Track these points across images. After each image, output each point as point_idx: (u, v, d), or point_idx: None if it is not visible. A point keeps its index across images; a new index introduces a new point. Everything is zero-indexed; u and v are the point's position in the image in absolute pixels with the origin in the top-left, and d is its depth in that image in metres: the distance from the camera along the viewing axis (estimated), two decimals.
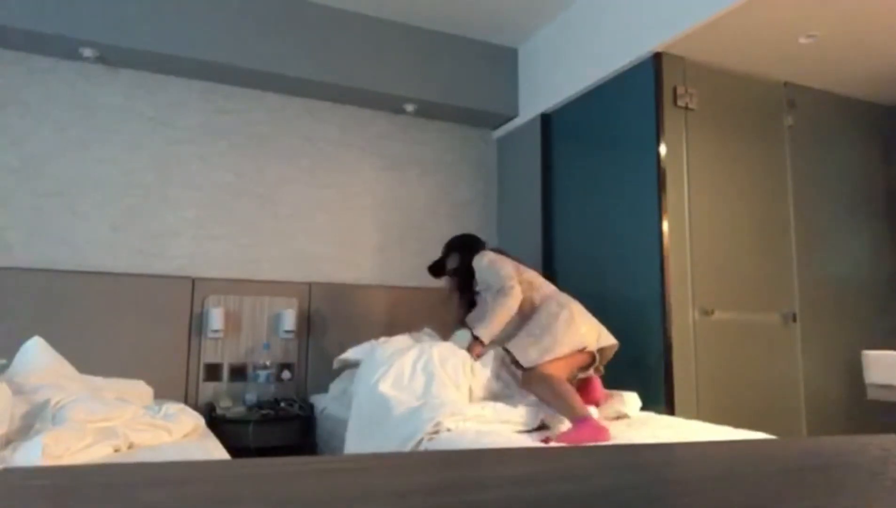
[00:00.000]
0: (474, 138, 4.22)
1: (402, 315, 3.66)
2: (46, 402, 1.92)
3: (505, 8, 3.62)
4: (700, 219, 2.97)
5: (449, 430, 2.15)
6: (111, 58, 3.24)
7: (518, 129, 4.04)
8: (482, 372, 2.57)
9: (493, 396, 2.51)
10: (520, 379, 2.49)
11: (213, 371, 3.26)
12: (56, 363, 2.35)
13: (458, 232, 4.04)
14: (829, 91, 3.46)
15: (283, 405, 3.13)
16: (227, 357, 3.30)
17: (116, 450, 1.83)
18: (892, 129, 3.66)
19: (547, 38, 3.81)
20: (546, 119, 3.80)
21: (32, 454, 1.59)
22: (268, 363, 3.29)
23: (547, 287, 2.73)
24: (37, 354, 2.34)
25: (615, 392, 2.62)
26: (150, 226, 3.32)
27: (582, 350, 2.50)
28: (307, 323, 3.49)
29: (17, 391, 1.98)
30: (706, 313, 2.90)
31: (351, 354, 3.01)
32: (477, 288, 2.82)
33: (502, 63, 4.05)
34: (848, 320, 3.28)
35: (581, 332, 2.50)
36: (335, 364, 3.11)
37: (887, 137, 3.63)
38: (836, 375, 3.19)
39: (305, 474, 0.50)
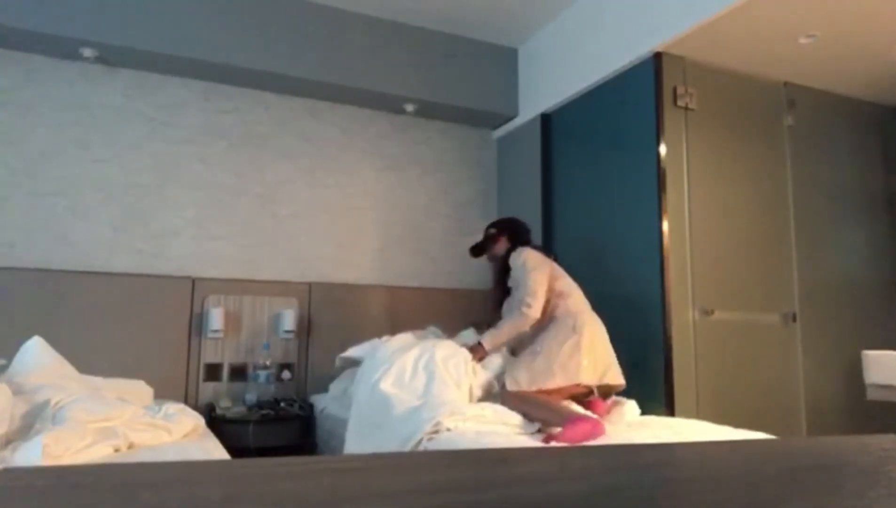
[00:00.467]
0: (474, 138, 4.22)
1: (403, 315, 3.66)
2: (46, 402, 1.92)
3: (505, 8, 3.62)
4: (700, 219, 2.97)
5: (449, 430, 2.15)
6: (111, 58, 3.24)
7: (518, 129, 4.04)
8: (483, 373, 2.57)
9: (494, 397, 2.51)
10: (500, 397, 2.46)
11: (213, 371, 3.26)
12: (56, 363, 2.35)
13: (458, 232, 4.08)
14: (829, 91, 3.45)
15: (283, 405, 3.13)
16: (227, 357, 3.30)
17: (116, 450, 1.83)
18: (892, 129, 3.66)
19: (547, 38, 3.81)
20: (546, 119, 3.80)
21: (32, 454, 1.59)
22: (268, 363, 3.29)
23: (574, 302, 2.62)
24: (37, 354, 2.34)
25: (616, 399, 2.61)
26: (150, 226, 3.32)
27: (577, 385, 2.45)
28: (307, 323, 3.49)
29: (17, 391, 1.98)
30: (706, 313, 2.90)
31: (353, 352, 3.00)
32: (509, 283, 2.73)
33: (502, 63, 4.05)
34: (848, 320, 3.28)
35: (582, 365, 2.43)
36: (337, 362, 3.10)
37: (887, 138, 3.63)
38: (836, 375, 3.19)
39: (305, 474, 0.50)
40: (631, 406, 2.57)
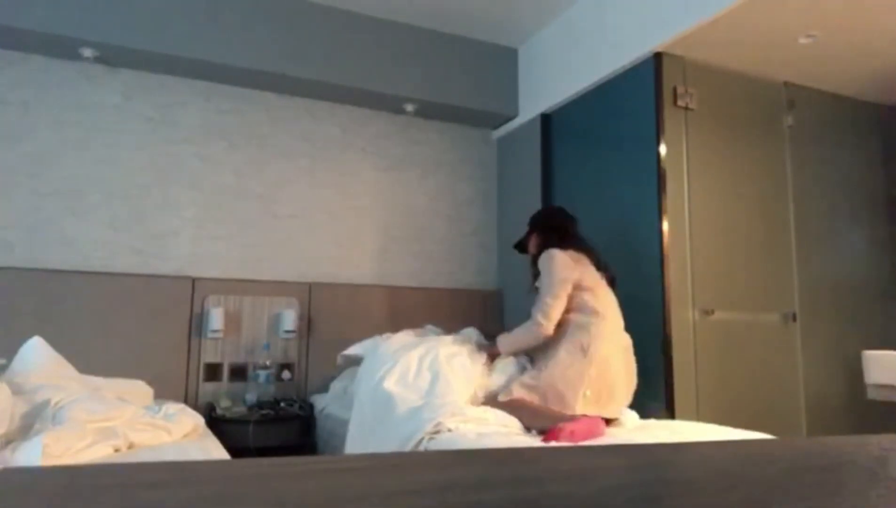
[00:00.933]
0: (474, 138, 4.22)
1: (403, 315, 3.66)
2: (46, 402, 1.92)
3: (505, 8, 3.62)
4: (700, 219, 2.97)
5: (450, 430, 2.14)
6: (111, 58, 3.24)
7: (518, 129, 4.04)
8: (493, 377, 2.54)
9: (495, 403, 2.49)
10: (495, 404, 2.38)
11: (213, 371, 3.26)
12: (56, 363, 2.35)
13: (458, 232, 4.08)
14: (829, 91, 3.45)
15: (283, 405, 3.13)
16: (227, 357, 3.30)
17: (116, 450, 1.83)
18: (892, 129, 3.65)
19: (547, 38, 3.81)
20: (546, 119, 3.80)
21: (32, 454, 1.59)
22: (268, 363, 3.29)
23: (597, 315, 2.39)
24: (37, 354, 2.34)
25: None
26: (150, 226, 3.32)
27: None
28: (307, 323, 3.49)
29: (17, 391, 1.98)
30: (706, 313, 2.90)
31: (354, 349, 2.98)
32: (536, 284, 2.54)
33: (502, 63, 4.04)
34: (848, 320, 3.28)
35: (579, 397, 2.27)
36: (339, 360, 3.08)
37: (887, 137, 3.63)
38: (836, 375, 3.19)
39: (305, 474, 0.50)
40: (631, 417, 2.48)
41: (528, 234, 2.76)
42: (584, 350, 2.33)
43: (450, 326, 3.29)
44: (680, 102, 2.98)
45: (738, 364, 2.94)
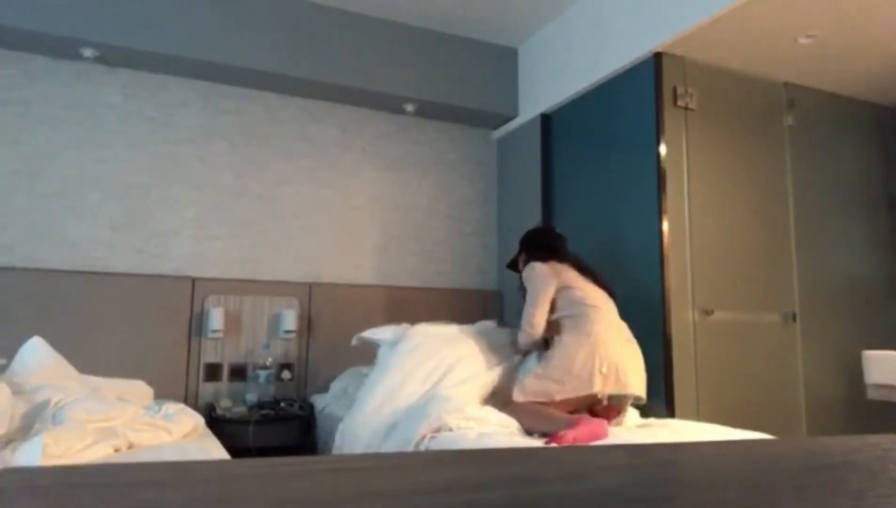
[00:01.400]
0: (474, 138, 4.22)
1: (403, 315, 3.65)
2: (46, 402, 1.92)
3: (505, 8, 3.62)
4: (700, 219, 2.97)
5: (451, 430, 2.15)
6: (111, 58, 3.24)
7: (518, 129, 4.04)
8: (500, 375, 2.56)
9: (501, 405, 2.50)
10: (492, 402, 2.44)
11: (213, 371, 3.26)
12: (56, 363, 2.35)
13: (458, 232, 4.08)
14: (829, 91, 3.45)
15: (283, 405, 3.13)
16: (227, 357, 3.30)
17: (116, 450, 1.83)
18: (892, 129, 3.65)
19: (547, 38, 3.81)
20: (546, 119, 3.80)
21: (32, 454, 1.59)
22: (268, 363, 3.29)
23: (596, 308, 2.48)
24: (37, 354, 2.34)
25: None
26: (149, 226, 3.32)
27: (590, 395, 2.33)
28: (307, 323, 3.49)
29: (17, 391, 1.98)
30: (706, 313, 2.90)
31: (371, 334, 2.93)
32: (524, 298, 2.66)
33: (502, 63, 4.05)
34: (848, 320, 3.28)
35: (595, 373, 2.31)
36: (354, 341, 3.00)
37: (887, 137, 3.63)
38: (836, 375, 3.19)
39: (305, 474, 0.50)
40: (632, 415, 2.52)
41: (518, 253, 2.87)
42: (588, 333, 2.39)
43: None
44: (680, 102, 2.98)
45: (738, 364, 2.94)
